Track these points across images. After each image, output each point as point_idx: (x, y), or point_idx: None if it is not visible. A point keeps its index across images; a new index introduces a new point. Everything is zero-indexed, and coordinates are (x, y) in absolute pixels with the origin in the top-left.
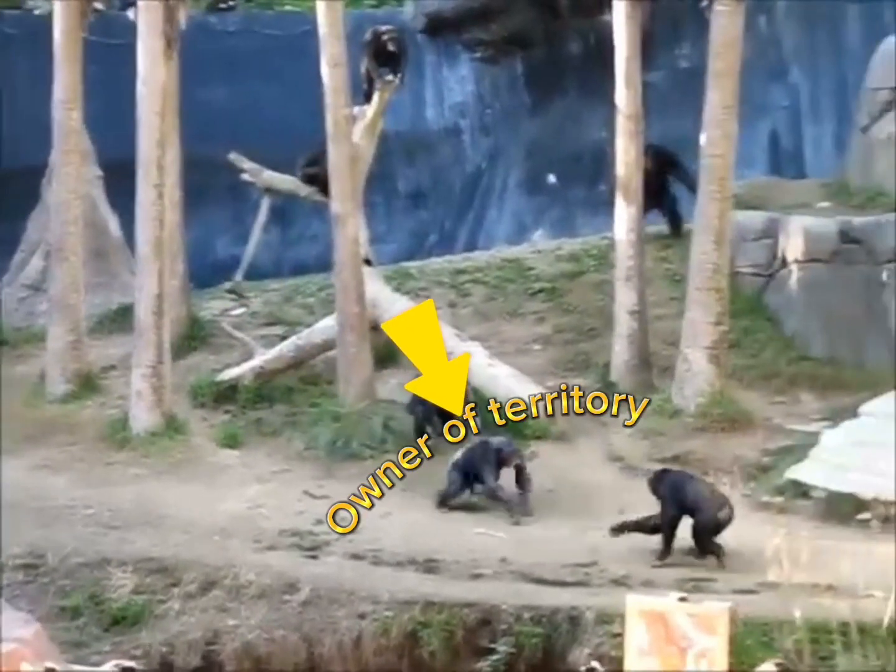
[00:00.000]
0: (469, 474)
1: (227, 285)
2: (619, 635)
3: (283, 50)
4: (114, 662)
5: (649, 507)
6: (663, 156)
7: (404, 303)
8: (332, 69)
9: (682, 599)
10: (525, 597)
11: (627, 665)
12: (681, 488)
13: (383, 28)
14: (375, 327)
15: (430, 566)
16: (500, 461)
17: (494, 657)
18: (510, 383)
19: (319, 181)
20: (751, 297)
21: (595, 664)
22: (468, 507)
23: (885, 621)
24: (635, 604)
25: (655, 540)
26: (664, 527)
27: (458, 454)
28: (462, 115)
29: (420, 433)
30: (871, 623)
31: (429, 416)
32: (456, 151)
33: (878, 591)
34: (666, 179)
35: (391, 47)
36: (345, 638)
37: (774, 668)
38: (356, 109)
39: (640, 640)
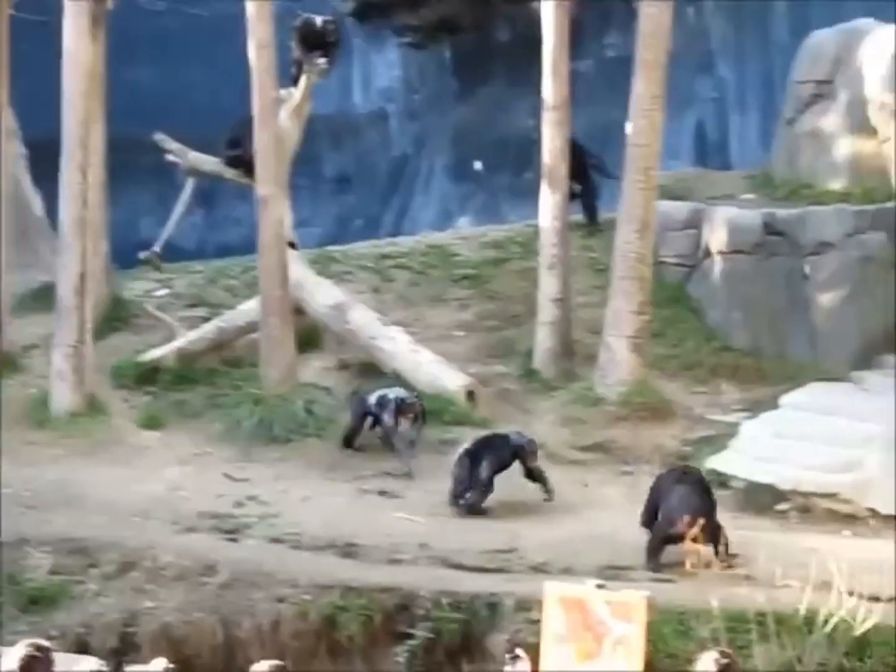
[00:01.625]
0: (477, 464)
1: (143, 255)
2: (538, 622)
3: (211, 31)
4: (28, 642)
5: (568, 494)
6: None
7: (328, 287)
8: (259, 51)
9: (600, 587)
10: (444, 582)
11: (544, 651)
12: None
13: (319, 18)
14: (299, 310)
15: (349, 551)
16: (520, 457)
17: (412, 642)
18: (433, 369)
19: (243, 164)
20: (674, 287)
21: (519, 651)
22: (388, 492)
23: (802, 611)
24: (553, 590)
25: (573, 527)
26: None
27: (469, 443)
28: (389, 99)
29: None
30: (787, 613)
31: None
32: (382, 136)
33: (794, 581)
34: (584, 169)
35: (330, 38)
36: (263, 621)
37: (716, 658)
38: (283, 92)
39: (557, 626)
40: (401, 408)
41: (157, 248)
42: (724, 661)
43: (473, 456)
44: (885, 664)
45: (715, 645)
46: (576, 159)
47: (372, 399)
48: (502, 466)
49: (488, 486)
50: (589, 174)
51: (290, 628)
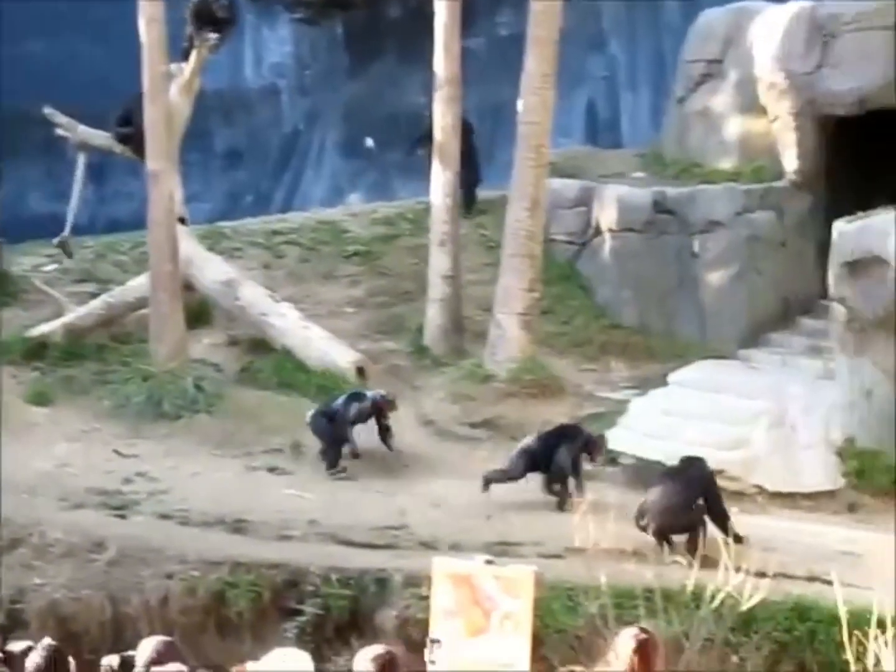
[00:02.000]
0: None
1: (56, 241)
2: (427, 598)
3: (102, 3)
4: None
5: (458, 471)
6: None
7: (218, 263)
8: (148, 25)
9: (489, 562)
10: (334, 559)
11: (433, 626)
12: None
13: None
14: (188, 286)
15: (238, 527)
16: (589, 451)
17: (301, 618)
18: (323, 345)
19: (133, 141)
20: (564, 264)
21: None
22: (277, 468)
23: (689, 587)
24: (441, 566)
25: (462, 503)
26: None
27: (531, 439)
28: (280, 75)
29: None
30: (675, 589)
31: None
32: (274, 112)
33: (681, 557)
34: (470, 150)
35: (224, 14)
36: (151, 598)
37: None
38: (174, 67)
39: (445, 601)
40: (380, 403)
41: (66, 231)
42: (643, 636)
43: (550, 443)
44: (771, 639)
45: (602, 621)
46: (465, 141)
47: (338, 403)
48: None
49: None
50: (476, 159)
51: (178, 605)
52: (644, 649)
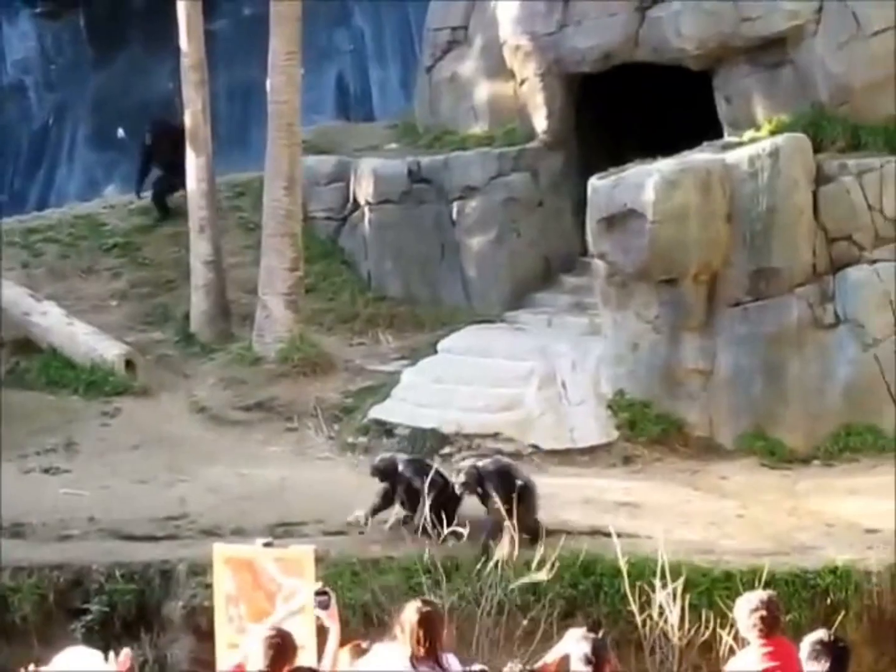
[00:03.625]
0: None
1: None
2: (211, 585)
3: None
4: None
5: (234, 456)
6: (168, 131)
7: None
8: None
9: (268, 545)
10: (116, 554)
11: (217, 613)
12: None
13: None
14: None
15: (17, 531)
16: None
17: (88, 617)
18: (89, 340)
19: None
20: (325, 241)
21: (325, 588)
22: (52, 468)
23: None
24: (221, 552)
25: (241, 487)
26: None
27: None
28: (26, 71)
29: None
30: (462, 558)
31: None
32: (22, 108)
33: (460, 528)
34: (172, 155)
35: None
36: None
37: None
38: None
39: (227, 587)
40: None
41: None
42: (426, 608)
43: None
44: (560, 596)
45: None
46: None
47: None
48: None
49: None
50: (181, 164)
51: None
52: (428, 621)
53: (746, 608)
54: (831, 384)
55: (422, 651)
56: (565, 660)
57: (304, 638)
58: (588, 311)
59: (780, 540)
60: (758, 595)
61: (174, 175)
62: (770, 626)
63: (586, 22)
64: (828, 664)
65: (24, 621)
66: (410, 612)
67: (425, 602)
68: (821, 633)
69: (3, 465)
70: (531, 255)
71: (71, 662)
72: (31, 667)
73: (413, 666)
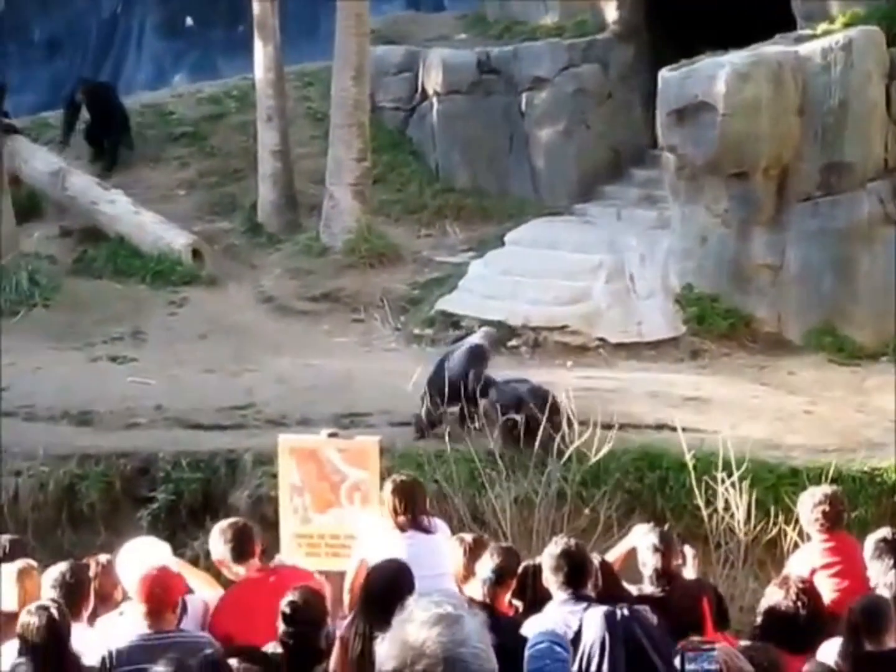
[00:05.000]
0: None
1: None
2: (277, 475)
3: None
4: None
5: (301, 346)
6: (100, 93)
7: (44, 153)
8: None
9: (333, 435)
10: (182, 443)
11: (282, 502)
12: None
13: None
14: (15, 180)
15: (84, 418)
16: None
17: (154, 505)
18: (157, 230)
19: None
20: (393, 131)
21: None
22: (119, 357)
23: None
24: (286, 443)
25: (308, 377)
26: None
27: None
28: None
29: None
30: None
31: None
32: None
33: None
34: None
35: None
36: (1, 496)
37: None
38: None
39: (292, 477)
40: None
41: None
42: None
43: None
44: (623, 488)
45: (450, 483)
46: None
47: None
48: None
49: None
50: (117, 119)
51: (28, 501)
52: (402, 490)
53: (810, 502)
54: None
55: (401, 519)
56: (632, 553)
57: (366, 528)
58: (657, 205)
59: (848, 436)
60: (822, 489)
61: (102, 131)
62: (833, 520)
63: None
64: (891, 562)
65: (91, 509)
66: (386, 486)
67: (404, 476)
68: (884, 532)
69: (71, 353)
70: (600, 147)
71: (137, 552)
72: (101, 557)
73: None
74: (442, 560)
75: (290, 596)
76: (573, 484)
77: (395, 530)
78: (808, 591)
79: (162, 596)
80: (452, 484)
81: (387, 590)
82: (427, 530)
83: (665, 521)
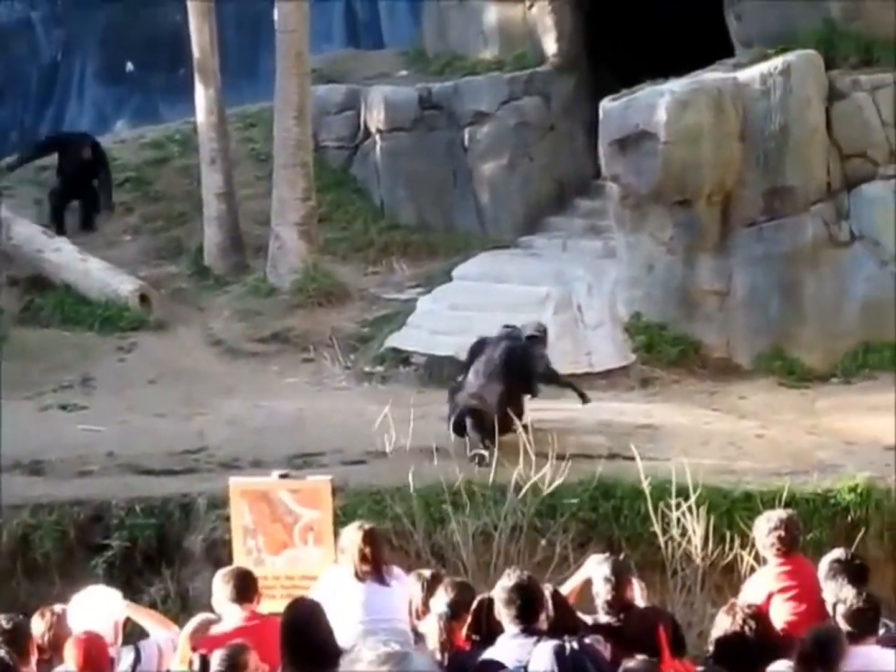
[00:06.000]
0: None
1: None
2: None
3: None
4: None
5: (251, 388)
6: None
7: None
8: None
9: (284, 476)
10: (135, 489)
11: (236, 545)
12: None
13: None
14: None
15: (36, 468)
16: None
17: (109, 553)
18: (103, 276)
19: None
20: (337, 170)
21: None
22: (69, 405)
23: (491, 479)
24: (237, 485)
25: (259, 419)
26: None
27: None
28: (33, 6)
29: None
30: (480, 482)
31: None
32: (29, 45)
33: (483, 450)
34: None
35: None
36: None
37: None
38: None
39: (244, 520)
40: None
41: None
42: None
43: None
44: (578, 519)
45: (411, 522)
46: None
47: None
48: None
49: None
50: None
51: None
52: (370, 538)
53: (765, 527)
54: (848, 302)
55: (364, 568)
56: (588, 583)
57: (322, 568)
58: (602, 235)
59: (800, 459)
60: (777, 514)
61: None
62: (788, 545)
63: None
64: (845, 583)
65: (45, 558)
66: (352, 532)
67: (364, 524)
68: (838, 553)
69: (21, 402)
70: (544, 179)
71: (89, 601)
72: (56, 607)
73: (359, 582)
74: (398, 607)
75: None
76: (529, 516)
77: (353, 578)
78: (755, 615)
79: (97, 659)
80: (412, 519)
81: (302, 632)
82: (386, 582)
83: (621, 550)
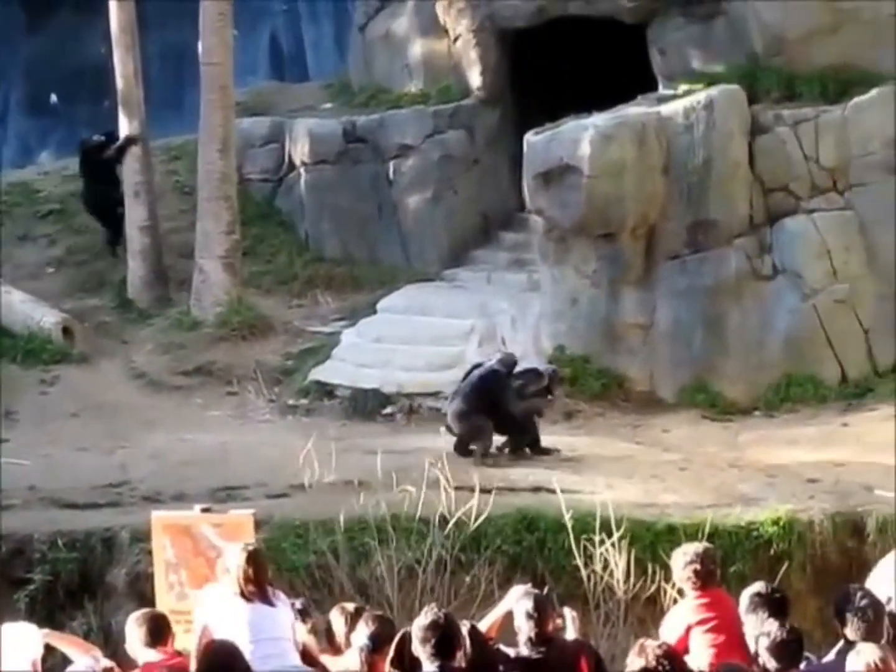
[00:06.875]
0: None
1: None
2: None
3: None
4: None
5: (174, 421)
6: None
7: None
8: None
9: (206, 510)
10: (58, 523)
11: (158, 579)
12: None
13: None
14: None
15: None
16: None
17: (31, 587)
18: (26, 308)
19: None
20: (261, 203)
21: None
22: None
23: (417, 514)
24: (158, 520)
25: (182, 452)
26: None
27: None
28: None
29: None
30: (406, 516)
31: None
32: None
33: (409, 485)
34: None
35: None
36: None
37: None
38: None
39: (166, 554)
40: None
41: None
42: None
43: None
44: (502, 553)
45: (335, 556)
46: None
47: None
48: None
49: None
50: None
51: None
52: (254, 559)
53: (681, 560)
54: (771, 335)
55: (250, 588)
56: (508, 617)
57: (207, 597)
58: (527, 268)
59: (723, 491)
60: (693, 547)
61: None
62: (705, 578)
63: None
64: (766, 615)
65: None
66: (236, 553)
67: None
68: (758, 586)
69: None
70: (469, 212)
71: (5, 641)
72: None
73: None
74: (282, 626)
75: None
76: (453, 550)
77: (239, 599)
78: (667, 654)
79: None
80: (335, 554)
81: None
82: (272, 603)
83: (545, 583)
